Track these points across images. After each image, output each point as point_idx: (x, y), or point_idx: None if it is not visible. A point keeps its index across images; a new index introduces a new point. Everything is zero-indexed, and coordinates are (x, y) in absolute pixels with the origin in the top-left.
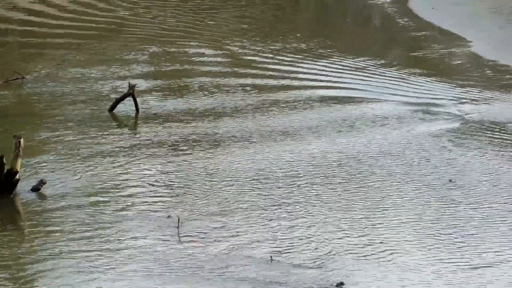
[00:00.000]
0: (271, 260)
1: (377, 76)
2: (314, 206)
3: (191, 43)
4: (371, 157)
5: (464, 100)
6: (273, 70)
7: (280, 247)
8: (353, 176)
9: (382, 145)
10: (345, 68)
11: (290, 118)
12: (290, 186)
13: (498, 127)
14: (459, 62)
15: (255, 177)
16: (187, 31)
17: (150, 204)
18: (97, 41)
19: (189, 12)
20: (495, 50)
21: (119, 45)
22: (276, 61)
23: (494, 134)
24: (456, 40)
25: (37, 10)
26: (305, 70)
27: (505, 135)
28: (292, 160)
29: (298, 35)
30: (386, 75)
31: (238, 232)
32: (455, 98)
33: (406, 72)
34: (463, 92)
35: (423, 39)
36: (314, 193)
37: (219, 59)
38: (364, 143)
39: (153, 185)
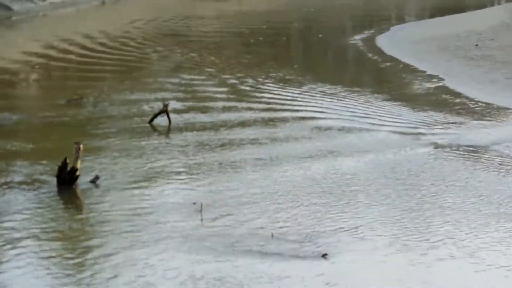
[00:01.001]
0: (272, 236)
1: (348, 101)
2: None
3: (200, 76)
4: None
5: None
6: (256, 97)
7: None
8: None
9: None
10: (320, 93)
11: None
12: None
13: (470, 149)
14: (417, 87)
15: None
16: (198, 63)
17: (180, 194)
18: (133, 71)
19: (196, 49)
20: (444, 77)
21: (150, 74)
22: (261, 88)
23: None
24: (414, 71)
25: (89, 46)
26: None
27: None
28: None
29: (287, 67)
30: (356, 99)
31: (248, 217)
32: (421, 122)
33: (374, 97)
34: (426, 116)
35: (388, 70)
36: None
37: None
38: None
39: (183, 178)
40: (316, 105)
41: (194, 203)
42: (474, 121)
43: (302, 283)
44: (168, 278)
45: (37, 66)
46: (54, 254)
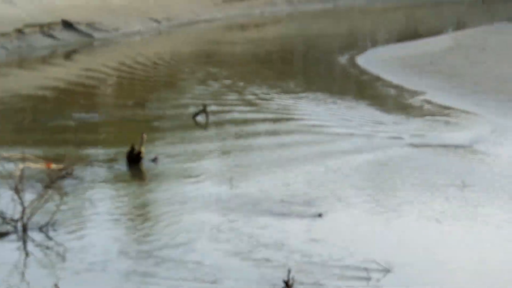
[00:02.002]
0: (282, 201)
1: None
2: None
3: (225, 85)
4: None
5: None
6: (267, 101)
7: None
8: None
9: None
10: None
11: None
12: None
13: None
14: (384, 93)
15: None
16: (224, 76)
17: (216, 168)
18: (179, 81)
19: (223, 66)
20: (406, 86)
21: (191, 84)
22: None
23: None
24: (383, 81)
25: (148, 64)
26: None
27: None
28: None
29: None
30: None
31: (265, 187)
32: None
33: (354, 100)
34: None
35: (364, 81)
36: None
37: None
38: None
39: (218, 158)
40: (310, 109)
41: (231, 180)
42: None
43: (299, 234)
44: (201, 229)
45: (113, 78)
46: (124, 210)
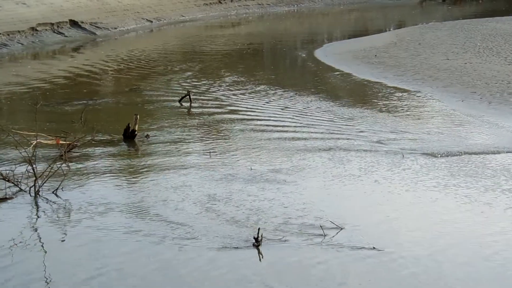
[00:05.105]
0: (251, 169)
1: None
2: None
3: (203, 75)
4: None
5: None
6: (242, 88)
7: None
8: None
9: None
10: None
11: None
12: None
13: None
14: (337, 80)
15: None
16: (205, 67)
17: (198, 145)
18: (168, 71)
19: (204, 59)
20: (355, 75)
21: (179, 72)
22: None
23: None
24: (336, 71)
25: (142, 56)
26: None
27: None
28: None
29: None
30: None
31: (237, 159)
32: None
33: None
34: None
35: (320, 71)
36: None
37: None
38: None
39: (199, 135)
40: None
41: (209, 152)
42: (376, 100)
43: (268, 198)
44: (184, 192)
45: (112, 68)
46: (120, 176)
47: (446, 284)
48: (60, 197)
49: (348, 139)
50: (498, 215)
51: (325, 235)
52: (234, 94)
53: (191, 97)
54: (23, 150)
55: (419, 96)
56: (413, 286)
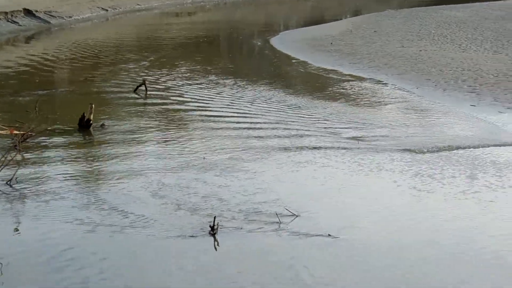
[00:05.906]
0: (204, 158)
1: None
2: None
3: (162, 64)
4: None
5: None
6: (198, 77)
7: (213, 155)
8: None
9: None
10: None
11: None
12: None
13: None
14: (292, 68)
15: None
16: (163, 55)
17: (152, 132)
18: (123, 60)
19: (163, 48)
20: (311, 62)
21: (133, 61)
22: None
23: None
24: (292, 59)
25: (97, 45)
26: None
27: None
28: None
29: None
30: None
31: (192, 148)
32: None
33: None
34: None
35: (277, 59)
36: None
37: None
38: None
39: (154, 123)
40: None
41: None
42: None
43: (223, 186)
44: (140, 182)
45: (66, 57)
46: (76, 166)
47: (399, 269)
48: (13, 188)
49: (302, 127)
50: (449, 200)
51: (280, 223)
52: (189, 84)
53: (147, 86)
54: None
55: (373, 83)
56: (368, 272)
